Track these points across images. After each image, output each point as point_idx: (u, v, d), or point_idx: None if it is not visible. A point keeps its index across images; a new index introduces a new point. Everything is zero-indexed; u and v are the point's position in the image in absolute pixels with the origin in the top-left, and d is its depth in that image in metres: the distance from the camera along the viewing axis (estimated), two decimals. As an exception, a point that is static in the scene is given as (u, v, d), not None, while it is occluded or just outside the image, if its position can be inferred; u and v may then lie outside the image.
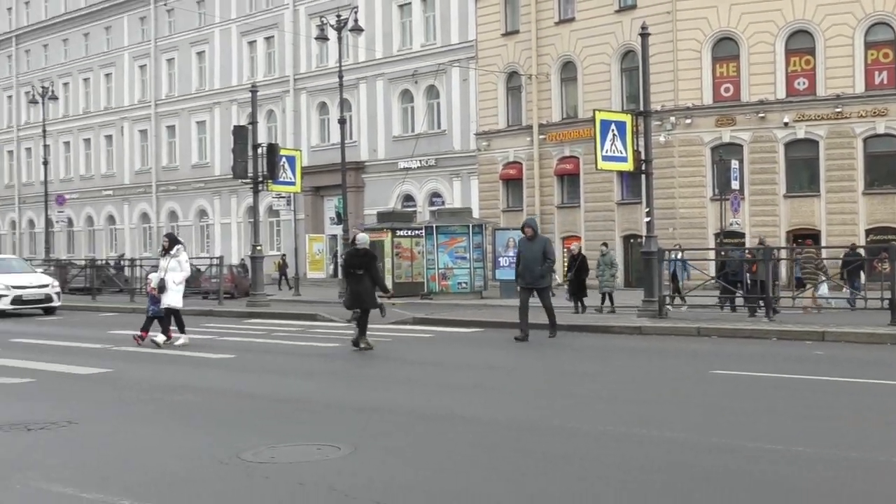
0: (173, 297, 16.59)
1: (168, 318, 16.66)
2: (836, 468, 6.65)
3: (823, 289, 23.50)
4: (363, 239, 16.47)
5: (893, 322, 16.00)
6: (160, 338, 16.30)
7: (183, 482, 6.65)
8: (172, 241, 17.23)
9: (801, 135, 35.99)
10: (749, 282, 21.99)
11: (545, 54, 41.62)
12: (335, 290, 31.95)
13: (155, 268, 18.53)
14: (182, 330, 16.82)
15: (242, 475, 6.73)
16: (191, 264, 18.66)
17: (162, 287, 16.52)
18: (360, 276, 15.78)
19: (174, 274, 16.62)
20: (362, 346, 15.39)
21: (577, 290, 24.77)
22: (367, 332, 15.60)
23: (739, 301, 21.63)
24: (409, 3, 47.37)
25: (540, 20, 41.73)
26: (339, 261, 25.74)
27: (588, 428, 8.21)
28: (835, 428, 8.17)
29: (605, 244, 28.25)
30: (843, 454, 7.00)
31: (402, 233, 33.52)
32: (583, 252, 26.54)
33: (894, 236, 33.12)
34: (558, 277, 31.32)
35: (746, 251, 24.09)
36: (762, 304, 19.33)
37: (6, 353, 15.68)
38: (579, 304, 24.49)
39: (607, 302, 24.92)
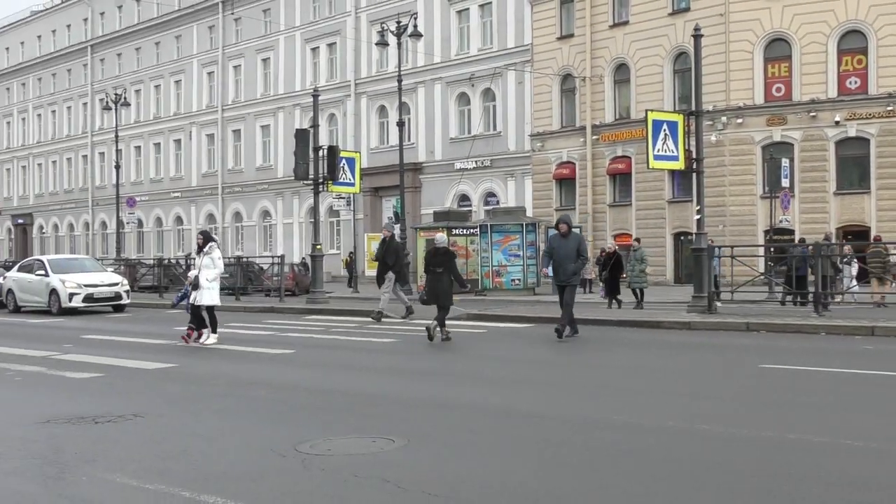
0: (208, 295, 16.28)
1: (197, 316, 16.42)
2: (888, 462, 6.50)
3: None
4: (442, 239, 16.96)
5: (944, 317, 15.71)
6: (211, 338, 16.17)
7: (241, 474, 6.66)
8: (207, 238, 16.91)
9: (852, 133, 35.42)
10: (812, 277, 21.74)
11: (599, 57, 41.42)
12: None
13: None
14: (214, 329, 16.42)
15: (299, 467, 6.74)
16: (255, 264, 18.63)
17: (196, 284, 16.30)
18: (440, 273, 16.13)
19: (207, 271, 16.31)
20: (442, 337, 15.76)
21: (612, 287, 24.59)
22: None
23: (789, 296, 21.43)
24: (467, 9, 47.36)
25: (594, 24, 41.54)
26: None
27: (649, 423, 8.07)
28: (885, 421, 7.99)
29: (637, 240, 28.02)
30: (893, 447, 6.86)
31: (457, 231, 33.50)
32: (618, 251, 26.33)
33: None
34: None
35: (810, 247, 23.76)
36: (823, 299, 19.03)
37: (77, 349, 15.88)
38: (614, 302, 24.29)
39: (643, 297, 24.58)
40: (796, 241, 28.54)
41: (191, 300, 16.39)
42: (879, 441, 7.09)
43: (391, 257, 20.77)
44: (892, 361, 12.09)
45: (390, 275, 20.75)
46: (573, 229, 16.78)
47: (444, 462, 6.88)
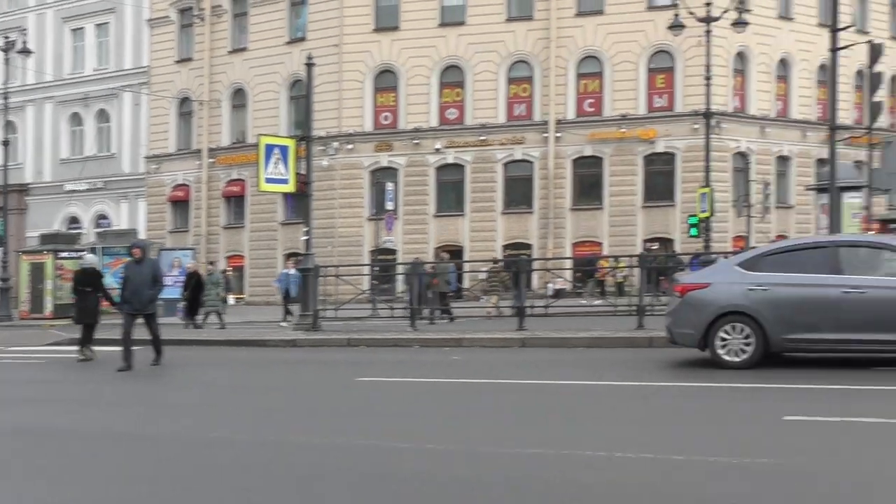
0: None
1: None
2: (462, 462, 6.66)
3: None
4: (92, 259, 16.73)
5: (520, 328, 16.72)
6: None
7: None
8: None
9: (450, 160, 37.40)
10: (430, 294, 22.56)
11: (217, 81, 41.10)
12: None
13: None
14: None
15: None
16: None
17: None
18: (88, 293, 15.82)
19: None
20: (85, 355, 15.61)
21: (192, 308, 23.61)
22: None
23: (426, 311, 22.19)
24: (83, 28, 45.37)
25: (214, 48, 41.21)
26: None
27: (246, 438, 7.94)
28: (462, 425, 8.27)
29: (211, 263, 27.84)
30: (472, 448, 7.04)
31: (64, 255, 31.58)
32: (198, 271, 25.51)
33: (526, 251, 35.26)
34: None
35: (429, 266, 24.60)
36: (442, 313, 19.83)
37: None
38: (196, 320, 23.41)
39: (213, 318, 23.72)
40: (398, 260, 29.59)
41: None
42: (461, 443, 7.32)
43: None
44: (472, 369, 12.67)
45: None
46: (149, 255, 15.94)
47: (30, 489, 6.31)
